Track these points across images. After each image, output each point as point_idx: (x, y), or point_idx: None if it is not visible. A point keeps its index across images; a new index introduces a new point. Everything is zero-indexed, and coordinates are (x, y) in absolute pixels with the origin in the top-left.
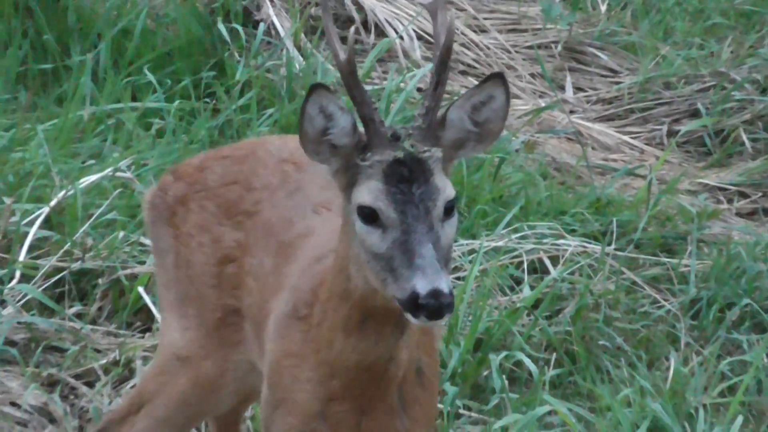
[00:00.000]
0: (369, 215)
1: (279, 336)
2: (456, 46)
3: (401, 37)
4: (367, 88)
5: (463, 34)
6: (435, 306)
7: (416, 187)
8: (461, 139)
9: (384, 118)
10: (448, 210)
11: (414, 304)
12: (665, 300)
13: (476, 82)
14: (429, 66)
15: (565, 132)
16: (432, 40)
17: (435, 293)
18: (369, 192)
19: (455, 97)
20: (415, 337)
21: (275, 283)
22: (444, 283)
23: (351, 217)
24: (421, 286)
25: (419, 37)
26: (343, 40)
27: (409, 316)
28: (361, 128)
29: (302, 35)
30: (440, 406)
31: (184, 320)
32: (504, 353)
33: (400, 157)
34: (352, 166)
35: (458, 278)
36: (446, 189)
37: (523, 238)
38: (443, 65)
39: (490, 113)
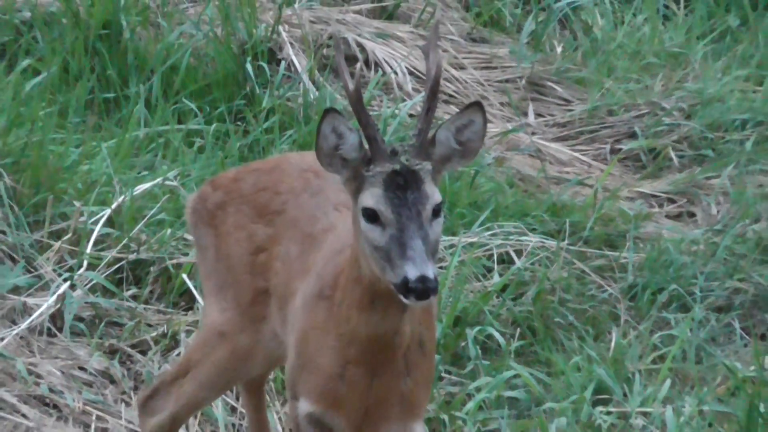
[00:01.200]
0: (371, 215)
1: (306, 312)
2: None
3: (395, 73)
4: (371, 113)
5: (446, 70)
6: (422, 289)
7: (410, 193)
8: (447, 155)
9: (382, 131)
10: (436, 212)
11: (405, 287)
12: (608, 285)
13: (457, 110)
14: (419, 96)
15: (528, 150)
16: (421, 76)
17: (422, 279)
18: (372, 197)
19: (441, 121)
20: (416, 315)
21: (300, 268)
22: (430, 271)
23: (358, 217)
24: (412, 273)
25: (410, 73)
26: (351, 74)
27: (402, 297)
28: (366, 145)
29: (315, 71)
30: None
31: (222, 303)
32: (478, 328)
33: (397, 168)
34: (359, 176)
35: (441, 267)
36: (434, 195)
37: (493, 235)
38: (433, 94)
39: (470, 134)
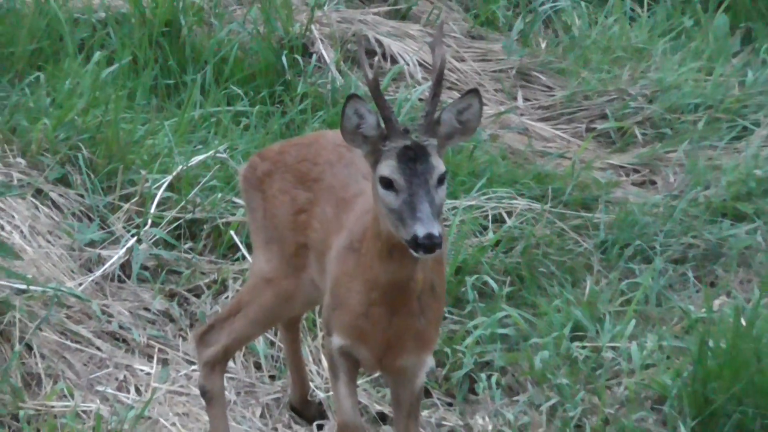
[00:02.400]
0: (387, 183)
1: (339, 261)
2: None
3: (408, 64)
4: (386, 97)
5: (449, 62)
6: (429, 244)
7: (419, 165)
8: (450, 133)
9: (396, 112)
10: (441, 180)
11: (415, 243)
12: (583, 241)
13: (458, 95)
14: (427, 84)
15: (517, 128)
16: (429, 67)
17: (429, 236)
18: (387, 167)
19: (445, 105)
20: (428, 264)
21: (335, 226)
22: (436, 229)
23: (376, 185)
24: (421, 231)
25: (420, 64)
26: (370, 66)
27: (412, 251)
28: (382, 124)
29: (341, 62)
30: None
31: (269, 254)
32: (475, 276)
33: (408, 144)
34: (377, 150)
35: (446, 226)
36: (439, 166)
37: (488, 199)
38: (438, 82)
39: (469, 115)
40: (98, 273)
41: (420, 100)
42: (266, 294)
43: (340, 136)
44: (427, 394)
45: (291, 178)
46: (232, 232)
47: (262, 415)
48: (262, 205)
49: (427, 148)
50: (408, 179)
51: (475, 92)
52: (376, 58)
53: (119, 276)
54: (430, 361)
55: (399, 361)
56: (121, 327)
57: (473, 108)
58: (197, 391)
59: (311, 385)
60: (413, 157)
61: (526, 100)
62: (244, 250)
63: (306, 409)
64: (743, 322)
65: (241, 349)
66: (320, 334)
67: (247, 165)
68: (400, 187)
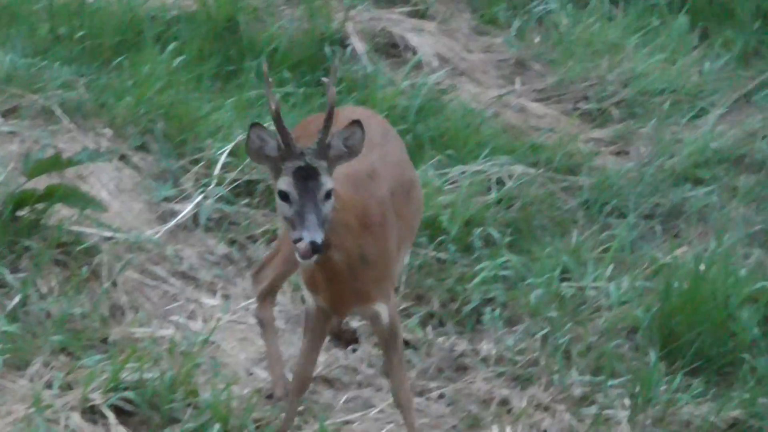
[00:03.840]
0: (284, 196)
1: None
2: (455, 56)
3: (425, 55)
4: (406, 83)
5: (459, 52)
6: (309, 249)
7: (309, 182)
8: (338, 156)
9: (415, 99)
10: (327, 195)
11: (296, 245)
12: (570, 200)
13: (469, 83)
14: (442, 71)
15: (515, 108)
16: (444, 56)
17: (312, 243)
18: (284, 182)
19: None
20: (346, 245)
21: None
22: (318, 237)
23: (276, 196)
24: (306, 236)
25: (435, 55)
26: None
27: (295, 254)
28: (282, 147)
29: (372, 52)
30: (443, 255)
31: None
32: (481, 228)
33: (302, 164)
34: (277, 168)
35: (457, 187)
36: (327, 183)
37: (492, 165)
38: (329, 116)
39: (354, 141)
40: (172, 223)
41: (436, 84)
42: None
43: (354, 111)
44: (441, 324)
45: (309, 143)
46: None
47: None
48: None
49: (318, 169)
50: (300, 193)
51: (357, 123)
52: (277, 96)
53: (189, 226)
54: (381, 309)
55: (350, 310)
56: (190, 267)
57: (356, 136)
58: (254, 321)
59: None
60: (305, 176)
61: (522, 84)
62: None
63: (341, 335)
64: (701, 267)
65: (284, 283)
66: None
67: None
68: (293, 200)
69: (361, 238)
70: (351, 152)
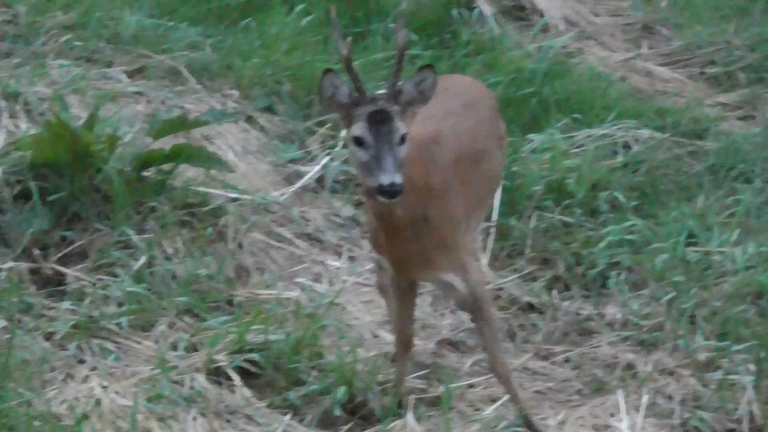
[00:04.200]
0: (358, 141)
1: None
2: (582, 19)
3: (552, 18)
4: (533, 46)
5: (588, 15)
6: (390, 191)
7: (384, 126)
8: (411, 101)
9: (542, 62)
10: (402, 139)
11: (379, 190)
12: (696, 164)
13: (595, 44)
14: (570, 34)
15: (642, 71)
16: (571, 19)
17: (391, 184)
18: (359, 128)
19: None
20: (411, 202)
21: None
22: (397, 178)
23: (350, 143)
24: (384, 179)
25: (563, 18)
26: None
27: (377, 197)
28: (355, 93)
29: (499, 15)
30: (569, 219)
31: None
32: (607, 191)
33: (376, 109)
34: (350, 115)
35: (583, 150)
36: (401, 128)
37: (618, 129)
38: (400, 60)
39: (426, 86)
40: (298, 185)
41: (563, 47)
42: None
43: (455, 79)
44: (567, 288)
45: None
46: None
47: (431, 304)
48: None
49: (391, 113)
50: (375, 138)
51: (429, 68)
52: (349, 38)
53: (315, 188)
54: (453, 279)
55: (415, 275)
56: (316, 229)
57: (428, 80)
58: None
59: None
60: (379, 120)
61: (649, 48)
62: None
63: None
64: None
65: None
66: None
67: None
68: (368, 145)
69: (424, 198)
70: (423, 97)
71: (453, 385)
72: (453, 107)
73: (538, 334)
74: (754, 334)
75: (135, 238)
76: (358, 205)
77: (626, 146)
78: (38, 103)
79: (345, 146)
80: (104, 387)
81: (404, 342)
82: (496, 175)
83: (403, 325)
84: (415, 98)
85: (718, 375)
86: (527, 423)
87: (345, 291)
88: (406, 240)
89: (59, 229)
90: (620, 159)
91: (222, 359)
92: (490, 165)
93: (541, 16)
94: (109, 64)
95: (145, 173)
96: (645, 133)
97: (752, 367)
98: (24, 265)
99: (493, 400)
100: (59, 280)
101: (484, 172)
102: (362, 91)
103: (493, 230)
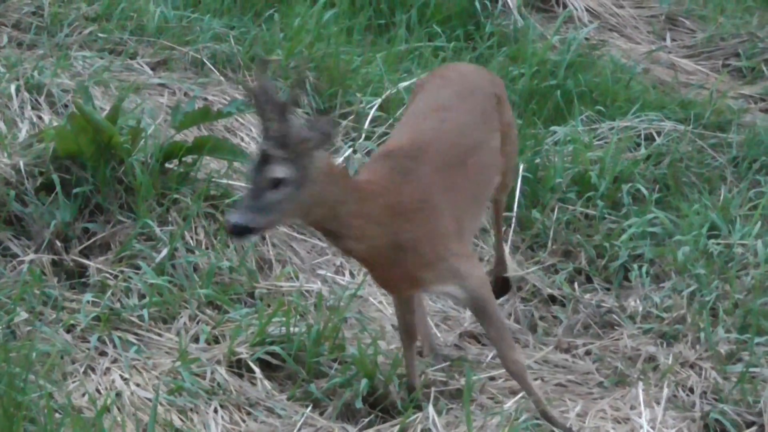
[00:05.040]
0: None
1: None
2: (606, 11)
3: (576, 9)
4: (557, 37)
5: (610, 7)
6: (232, 231)
7: (259, 167)
8: (307, 143)
9: (566, 54)
10: (274, 184)
11: (226, 227)
12: (719, 157)
13: (619, 36)
14: (592, 25)
15: (665, 63)
16: (593, 11)
17: (234, 225)
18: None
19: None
20: (372, 232)
21: None
22: (241, 220)
23: None
24: (230, 217)
25: (585, 10)
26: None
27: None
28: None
29: (523, 7)
30: (592, 211)
31: None
32: (630, 184)
33: (261, 149)
34: None
35: (606, 143)
36: (275, 172)
37: (641, 121)
38: (282, 111)
39: (325, 128)
40: None
41: (586, 39)
42: None
43: (458, 67)
44: (589, 280)
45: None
46: None
47: None
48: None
49: (270, 157)
50: (251, 177)
51: (321, 112)
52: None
53: None
54: (452, 289)
55: (406, 293)
56: None
57: (323, 123)
58: None
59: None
60: (259, 161)
61: (672, 40)
62: None
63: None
64: None
65: None
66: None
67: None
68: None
69: (391, 224)
70: (326, 137)
71: (474, 377)
72: (443, 98)
73: (560, 327)
74: None
75: (157, 230)
76: None
77: (649, 138)
78: (62, 94)
79: (368, 138)
80: (125, 379)
81: (407, 332)
82: (491, 163)
83: (404, 315)
84: (315, 140)
85: (739, 368)
86: (546, 416)
87: (367, 283)
88: (383, 266)
89: (81, 221)
90: (643, 151)
91: (243, 352)
92: (482, 157)
93: (565, 7)
94: (133, 56)
95: (168, 165)
96: (668, 125)
97: None
98: (46, 257)
99: (514, 393)
100: (81, 272)
101: (477, 166)
102: (266, 128)
103: (513, 221)
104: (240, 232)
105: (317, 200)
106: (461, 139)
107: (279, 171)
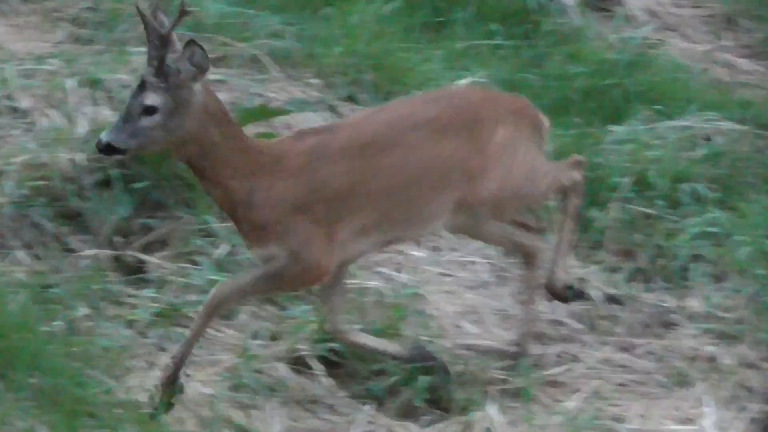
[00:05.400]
0: None
1: None
2: (664, 11)
3: (633, 8)
4: (615, 37)
5: (669, 7)
6: (98, 146)
7: (136, 93)
8: (183, 74)
9: (624, 53)
10: (146, 110)
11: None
12: None
13: (671, 34)
14: (652, 26)
15: (722, 63)
16: (651, 9)
17: (102, 141)
18: None
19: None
20: (222, 182)
21: None
22: (110, 138)
23: None
24: (103, 135)
25: (645, 9)
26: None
27: None
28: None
29: (581, 6)
30: (651, 210)
31: None
32: (689, 184)
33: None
34: None
35: (664, 142)
36: (147, 99)
37: (700, 120)
38: (163, 42)
39: (197, 59)
40: None
41: (644, 39)
42: None
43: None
44: (649, 280)
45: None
46: None
47: (511, 294)
48: None
49: (146, 84)
50: (129, 99)
51: (192, 42)
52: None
53: None
54: (275, 250)
55: (253, 245)
56: None
57: (196, 54)
58: (461, 273)
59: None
60: (137, 88)
61: (731, 40)
62: None
63: (556, 290)
64: None
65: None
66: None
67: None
68: None
69: (251, 181)
70: (200, 69)
71: (535, 375)
72: (406, 103)
73: (620, 326)
74: None
75: (216, 226)
76: None
77: (708, 138)
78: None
79: None
80: (186, 375)
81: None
82: (431, 174)
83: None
84: (190, 72)
85: None
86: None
87: (427, 281)
88: (235, 218)
89: (141, 217)
90: (702, 151)
91: (304, 348)
92: (398, 158)
93: (620, 5)
94: None
95: None
96: (727, 125)
97: None
98: (106, 253)
99: (576, 392)
100: (140, 267)
101: (384, 167)
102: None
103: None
104: (108, 150)
105: (191, 136)
106: (385, 134)
107: (152, 98)
